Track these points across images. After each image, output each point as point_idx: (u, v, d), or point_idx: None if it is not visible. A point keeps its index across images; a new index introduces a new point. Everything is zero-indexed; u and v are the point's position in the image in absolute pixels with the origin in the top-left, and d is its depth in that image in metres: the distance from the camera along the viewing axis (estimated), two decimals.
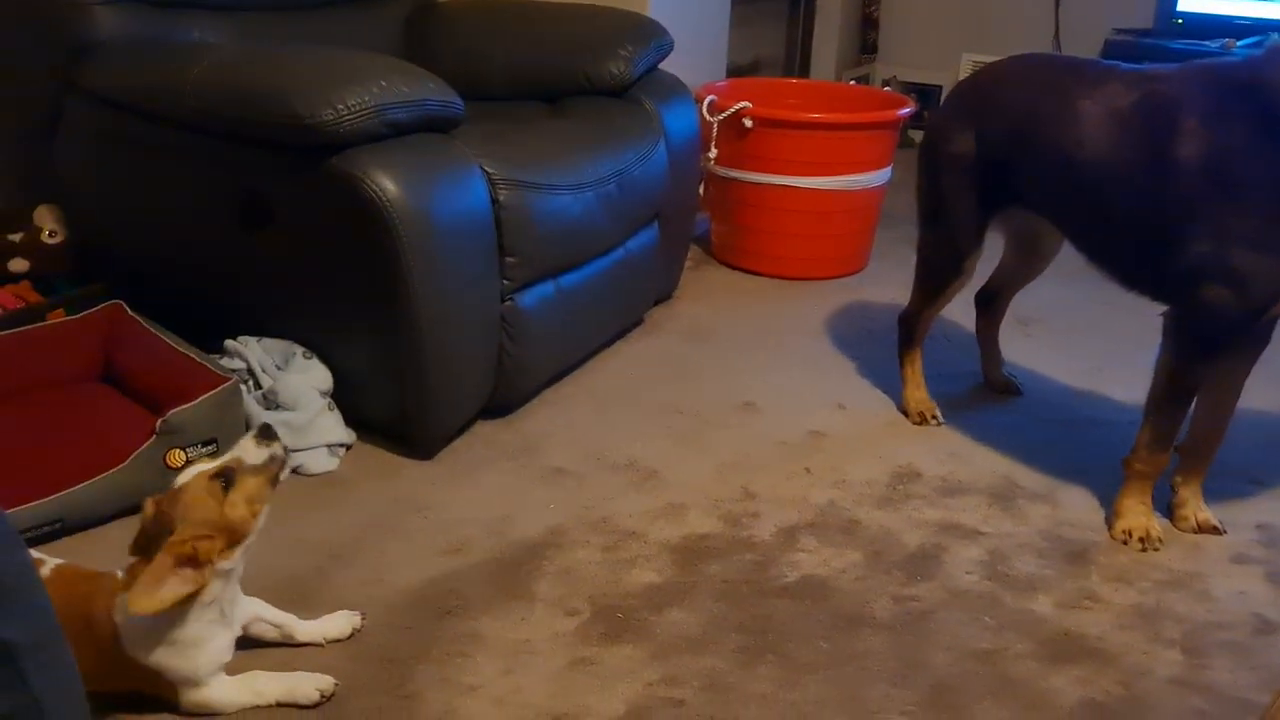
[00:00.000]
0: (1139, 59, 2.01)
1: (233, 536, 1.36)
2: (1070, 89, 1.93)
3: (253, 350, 2.08)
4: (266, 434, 1.42)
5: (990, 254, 2.28)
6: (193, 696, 1.41)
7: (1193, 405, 1.93)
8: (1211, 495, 2.00)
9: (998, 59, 2.20)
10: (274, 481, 1.42)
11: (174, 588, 1.31)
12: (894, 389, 2.43)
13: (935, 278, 2.27)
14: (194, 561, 1.32)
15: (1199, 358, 1.84)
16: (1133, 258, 1.91)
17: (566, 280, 2.29)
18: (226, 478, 1.37)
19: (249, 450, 1.40)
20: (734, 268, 3.26)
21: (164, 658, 1.37)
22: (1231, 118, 1.72)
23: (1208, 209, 1.73)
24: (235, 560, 1.39)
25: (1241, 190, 1.71)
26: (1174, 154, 1.75)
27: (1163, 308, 1.88)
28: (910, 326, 2.36)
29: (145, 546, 1.35)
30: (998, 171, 2.08)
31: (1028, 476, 2.13)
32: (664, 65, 2.75)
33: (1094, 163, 1.88)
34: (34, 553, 1.46)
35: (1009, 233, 2.32)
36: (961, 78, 4.63)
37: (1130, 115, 1.84)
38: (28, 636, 0.87)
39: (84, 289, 2.27)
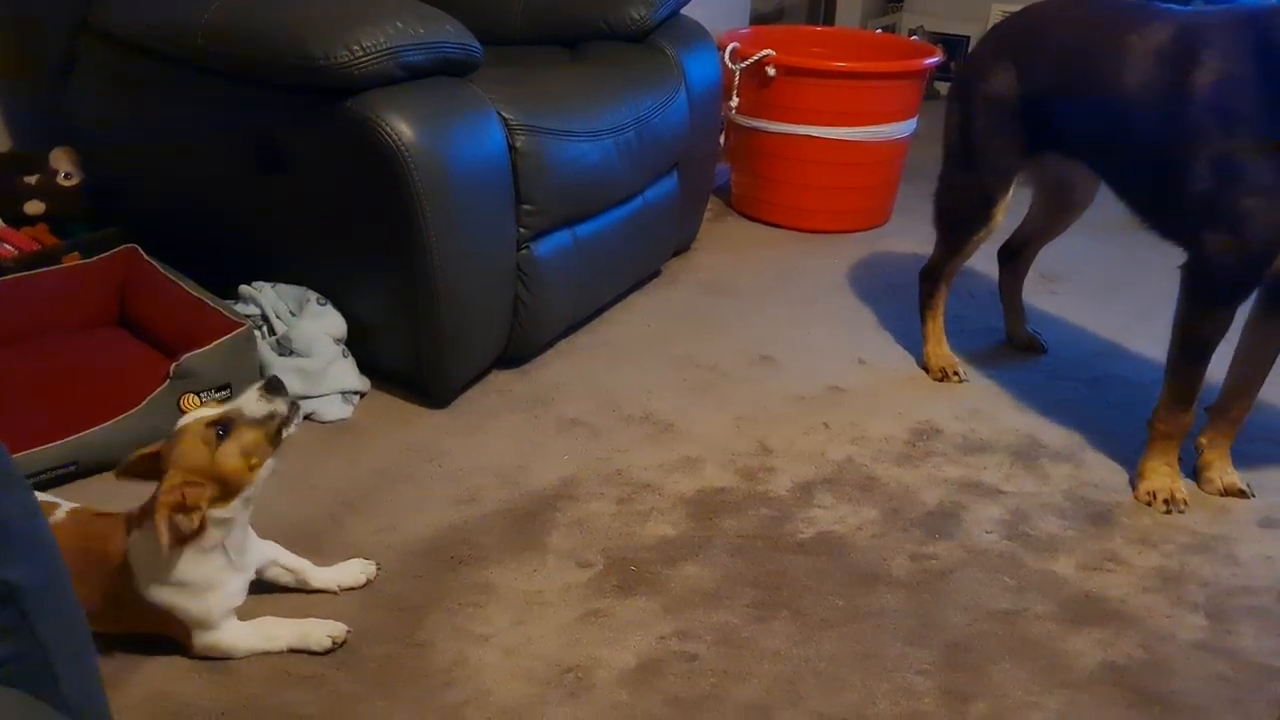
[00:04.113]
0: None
1: (225, 487, 1.35)
2: (1118, 25, 1.90)
3: (267, 296, 2.07)
4: (273, 387, 1.39)
5: (1015, 208, 2.22)
6: (204, 639, 1.41)
7: (1227, 364, 1.90)
8: (1239, 458, 1.96)
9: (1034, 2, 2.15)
10: (275, 438, 1.38)
11: (168, 536, 1.30)
12: (915, 345, 2.39)
13: (960, 227, 2.22)
14: (184, 508, 1.31)
15: (1205, 312, 1.81)
16: (1157, 198, 1.88)
17: (583, 229, 2.26)
18: (224, 427, 1.35)
19: (251, 402, 1.38)
20: (754, 219, 3.21)
21: (175, 599, 1.37)
22: (1247, 54, 1.69)
23: (1210, 143, 1.70)
24: (231, 511, 1.37)
25: (1240, 125, 1.68)
26: (1188, 85, 1.74)
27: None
28: (933, 281, 2.32)
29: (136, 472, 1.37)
30: (1037, 111, 2.03)
31: (1051, 435, 2.10)
32: (686, 11, 2.69)
33: (1128, 96, 1.85)
34: (49, 496, 1.48)
35: (1040, 183, 2.27)
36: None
37: (1163, 49, 1.81)
38: (32, 579, 0.85)
39: (100, 232, 2.25)
